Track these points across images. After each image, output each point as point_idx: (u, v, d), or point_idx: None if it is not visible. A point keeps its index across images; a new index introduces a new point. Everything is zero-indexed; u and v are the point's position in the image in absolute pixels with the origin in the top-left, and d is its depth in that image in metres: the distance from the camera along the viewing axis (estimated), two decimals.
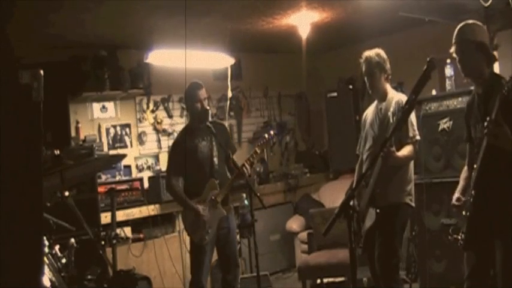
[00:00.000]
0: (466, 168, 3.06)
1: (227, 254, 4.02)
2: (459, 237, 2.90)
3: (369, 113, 3.77)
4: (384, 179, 3.39)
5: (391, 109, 3.53)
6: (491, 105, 2.62)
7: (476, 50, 2.82)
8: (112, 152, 5.45)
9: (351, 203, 2.23)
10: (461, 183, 3.03)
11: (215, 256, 4.10)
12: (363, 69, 3.63)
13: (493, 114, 2.54)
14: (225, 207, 3.95)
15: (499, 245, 2.72)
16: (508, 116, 2.55)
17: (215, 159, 3.97)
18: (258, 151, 3.99)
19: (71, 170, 3.31)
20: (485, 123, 2.59)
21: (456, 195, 2.98)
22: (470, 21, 2.90)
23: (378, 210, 3.39)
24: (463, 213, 2.89)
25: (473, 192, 2.81)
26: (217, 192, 3.92)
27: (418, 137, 3.54)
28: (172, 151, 4.06)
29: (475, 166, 2.83)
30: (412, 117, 3.55)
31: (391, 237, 3.50)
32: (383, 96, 3.62)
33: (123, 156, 4.09)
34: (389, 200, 3.49)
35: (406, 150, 3.44)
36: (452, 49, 2.89)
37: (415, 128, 3.55)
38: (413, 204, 3.62)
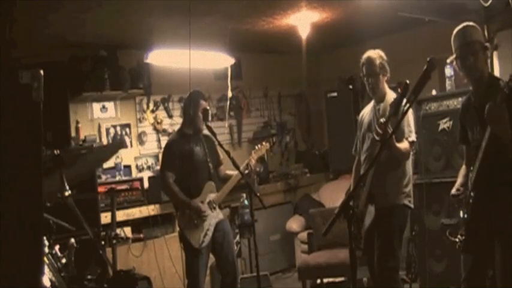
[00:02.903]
0: (464, 167, 3.07)
1: (224, 257, 4.01)
2: (457, 240, 2.90)
3: (366, 113, 3.73)
4: (381, 178, 3.39)
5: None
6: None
7: (481, 50, 2.83)
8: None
9: (351, 203, 2.23)
10: (460, 179, 3.04)
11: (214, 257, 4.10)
12: (364, 70, 3.58)
13: (498, 99, 2.51)
14: (221, 211, 3.98)
15: (499, 246, 2.73)
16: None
17: (210, 165, 4.01)
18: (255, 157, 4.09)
19: (71, 167, 3.30)
20: (487, 108, 2.56)
21: (455, 188, 3.00)
22: (469, 23, 2.89)
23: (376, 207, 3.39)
24: (461, 213, 2.89)
25: (472, 194, 2.81)
26: (215, 195, 3.92)
27: (413, 138, 3.49)
28: (167, 150, 4.05)
29: (472, 168, 2.83)
30: (410, 118, 3.53)
31: (390, 238, 3.49)
32: (382, 97, 3.58)
33: (121, 144, 4.08)
34: (388, 201, 3.48)
35: (402, 145, 3.40)
36: (457, 52, 2.85)
37: (412, 129, 3.51)
38: (412, 206, 3.61)
